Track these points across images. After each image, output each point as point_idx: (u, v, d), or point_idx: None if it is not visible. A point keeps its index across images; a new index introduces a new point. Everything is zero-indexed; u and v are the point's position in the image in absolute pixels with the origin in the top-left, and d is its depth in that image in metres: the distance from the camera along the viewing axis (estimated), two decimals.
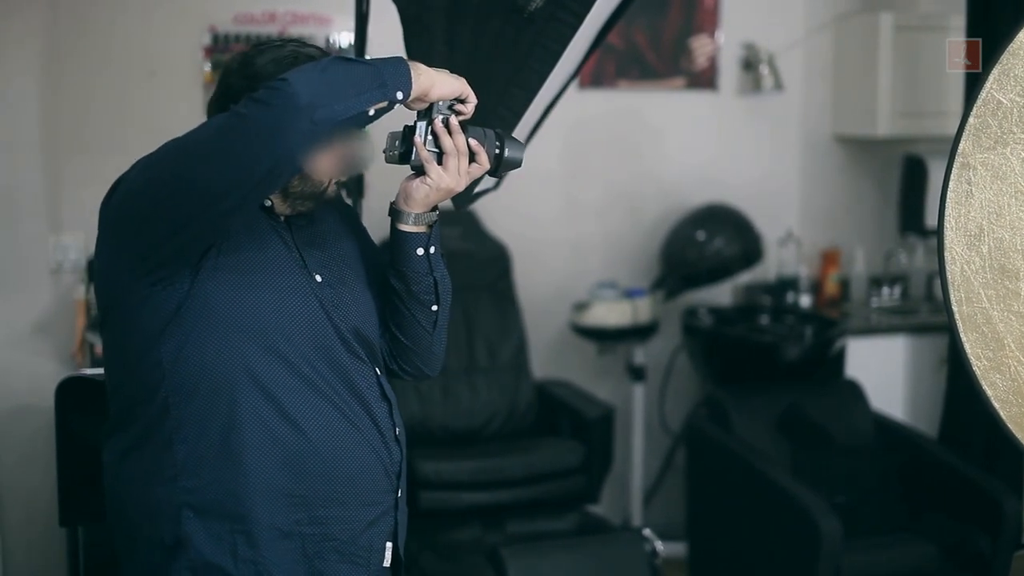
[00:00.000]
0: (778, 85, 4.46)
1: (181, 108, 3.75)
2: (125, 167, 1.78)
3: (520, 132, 2.37)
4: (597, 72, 4.37)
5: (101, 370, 3.20)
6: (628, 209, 4.49)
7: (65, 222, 3.69)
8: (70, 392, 2.26)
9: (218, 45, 3.79)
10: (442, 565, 3.56)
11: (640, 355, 4.35)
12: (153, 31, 3.76)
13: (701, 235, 4.27)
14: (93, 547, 2.34)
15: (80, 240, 3.67)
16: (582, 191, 4.42)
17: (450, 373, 3.96)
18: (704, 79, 4.52)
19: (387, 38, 2.49)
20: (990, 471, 3.44)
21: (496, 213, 4.08)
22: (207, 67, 3.78)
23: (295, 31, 3.77)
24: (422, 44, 2.34)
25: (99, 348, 3.43)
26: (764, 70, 4.44)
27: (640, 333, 4.27)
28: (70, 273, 3.68)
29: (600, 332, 4.23)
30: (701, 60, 4.50)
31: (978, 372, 1.62)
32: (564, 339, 4.41)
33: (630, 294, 4.27)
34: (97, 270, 1.82)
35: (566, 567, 3.17)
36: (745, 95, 4.55)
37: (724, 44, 4.51)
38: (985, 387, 1.62)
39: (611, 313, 4.19)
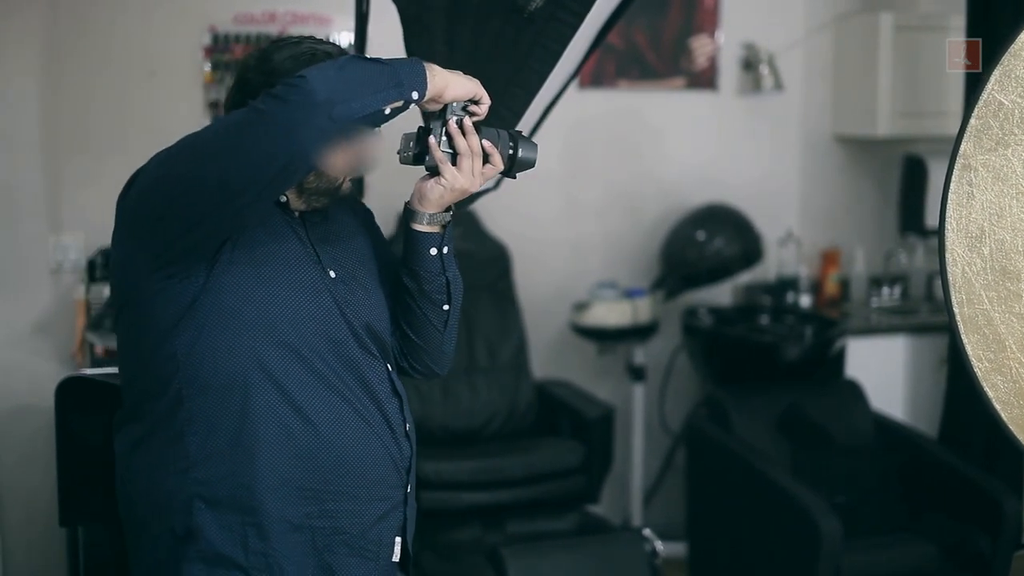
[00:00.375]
0: (778, 85, 4.46)
1: (181, 108, 3.75)
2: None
3: None
4: (597, 72, 4.37)
5: (101, 370, 3.20)
6: (628, 209, 4.49)
7: (65, 222, 3.69)
8: (70, 392, 2.25)
9: (218, 45, 3.79)
10: (442, 565, 3.56)
11: (640, 355, 4.35)
12: (153, 31, 3.76)
13: (701, 235, 4.27)
14: (93, 547, 2.33)
15: (80, 240, 3.67)
16: (582, 191, 4.42)
17: (450, 373, 3.95)
18: (704, 79, 4.52)
19: (387, 38, 2.49)
20: (990, 471, 3.44)
21: (496, 213, 4.08)
22: (207, 67, 3.79)
23: (295, 31, 3.77)
24: (422, 44, 2.34)
25: (99, 348, 3.43)
26: (764, 70, 4.44)
27: (640, 333, 4.27)
28: (70, 273, 3.69)
29: (600, 332, 4.23)
30: (701, 60, 4.50)
31: (979, 374, 1.62)
32: (564, 339, 4.41)
33: (630, 294, 4.27)
34: (113, 263, 1.83)
35: (566, 567, 3.17)
36: (745, 95, 4.55)
37: (724, 44, 4.51)
38: (986, 389, 1.62)
39: (611, 313, 4.19)
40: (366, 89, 1.60)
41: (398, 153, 1.80)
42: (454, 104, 1.76)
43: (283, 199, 1.81)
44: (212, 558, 1.75)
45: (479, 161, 1.79)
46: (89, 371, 3.16)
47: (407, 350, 1.97)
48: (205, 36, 3.79)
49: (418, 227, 1.85)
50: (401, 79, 1.64)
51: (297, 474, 1.76)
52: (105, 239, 3.64)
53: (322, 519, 1.78)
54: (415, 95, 1.66)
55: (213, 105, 3.77)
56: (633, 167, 4.49)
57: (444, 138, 1.77)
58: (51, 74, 3.65)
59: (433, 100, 1.72)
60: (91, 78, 3.68)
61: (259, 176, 1.61)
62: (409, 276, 1.89)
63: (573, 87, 3.09)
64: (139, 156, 1.77)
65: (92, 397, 2.22)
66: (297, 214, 1.84)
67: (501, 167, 1.82)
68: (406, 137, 1.80)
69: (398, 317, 1.94)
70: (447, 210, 1.85)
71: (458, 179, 1.79)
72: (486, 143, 1.79)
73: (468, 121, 1.77)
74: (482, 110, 1.78)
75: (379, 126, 1.69)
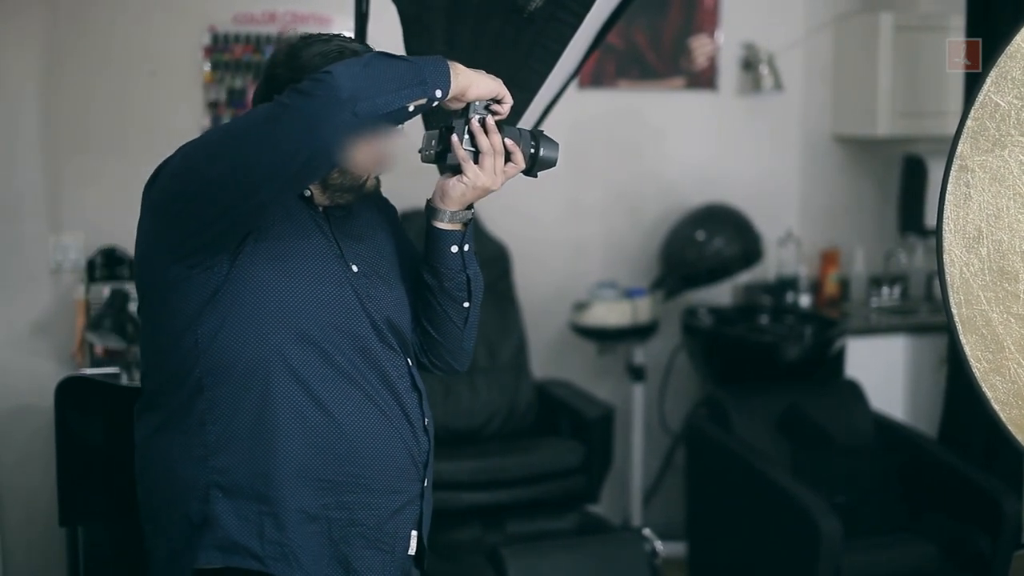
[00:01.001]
0: (778, 85, 4.46)
1: (181, 108, 3.75)
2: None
3: None
4: (597, 72, 4.37)
5: (101, 370, 3.20)
6: (628, 209, 4.49)
7: (65, 222, 3.69)
8: (70, 392, 2.26)
9: (218, 45, 3.79)
10: (442, 565, 3.56)
11: (640, 355, 4.35)
12: (153, 31, 3.76)
13: (701, 235, 4.27)
14: (93, 547, 2.33)
15: (80, 240, 3.68)
16: (582, 191, 4.42)
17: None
18: (704, 79, 4.52)
19: (387, 38, 2.48)
20: (990, 471, 3.44)
21: (496, 213, 4.08)
22: (207, 67, 3.79)
23: (294, 32, 3.76)
24: (422, 44, 2.35)
25: (99, 348, 3.44)
26: (764, 70, 4.44)
27: (640, 333, 4.27)
28: (70, 273, 3.69)
29: (600, 332, 4.23)
30: (701, 60, 4.50)
31: (978, 374, 1.62)
32: (564, 339, 4.41)
33: (630, 294, 4.27)
34: (137, 253, 1.85)
35: (566, 567, 3.17)
36: (745, 95, 4.55)
37: (724, 44, 4.51)
38: (985, 389, 1.62)
39: (611, 313, 4.19)
40: (390, 86, 1.62)
41: (420, 152, 1.83)
42: (477, 103, 1.77)
43: (307, 193, 1.83)
44: (228, 546, 1.76)
45: (501, 159, 1.81)
46: (89, 371, 3.17)
47: (427, 346, 2.00)
48: (205, 36, 3.79)
49: (439, 225, 1.88)
50: (425, 77, 1.66)
51: (315, 465, 1.77)
52: (105, 239, 3.67)
53: (339, 510, 1.80)
54: (439, 93, 1.68)
55: (213, 105, 3.77)
56: (633, 167, 4.49)
57: (467, 136, 1.79)
58: (51, 74, 3.65)
59: (456, 98, 1.74)
60: (91, 78, 3.68)
61: (282, 169, 1.63)
62: (430, 273, 1.91)
63: (573, 87, 3.10)
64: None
65: (92, 397, 2.23)
66: (321, 209, 1.86)
67: (523, 165, 1.84)
68: (428, 135, 1.82)
69: (419, 314, 1.96)
70: (468, 208, 1.87)
71: (480, 177, 1.81)
72: (508, 141, 1.81)
73: (491, 119, 1.79)
74: (504, 109, 1.80)
75: (402, 123, 1.71)
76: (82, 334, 3.51)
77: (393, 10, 2.43)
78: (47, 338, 3.68)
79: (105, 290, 3.48)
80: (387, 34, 2.51)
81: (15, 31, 3.60)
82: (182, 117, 3.71)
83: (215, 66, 3.78)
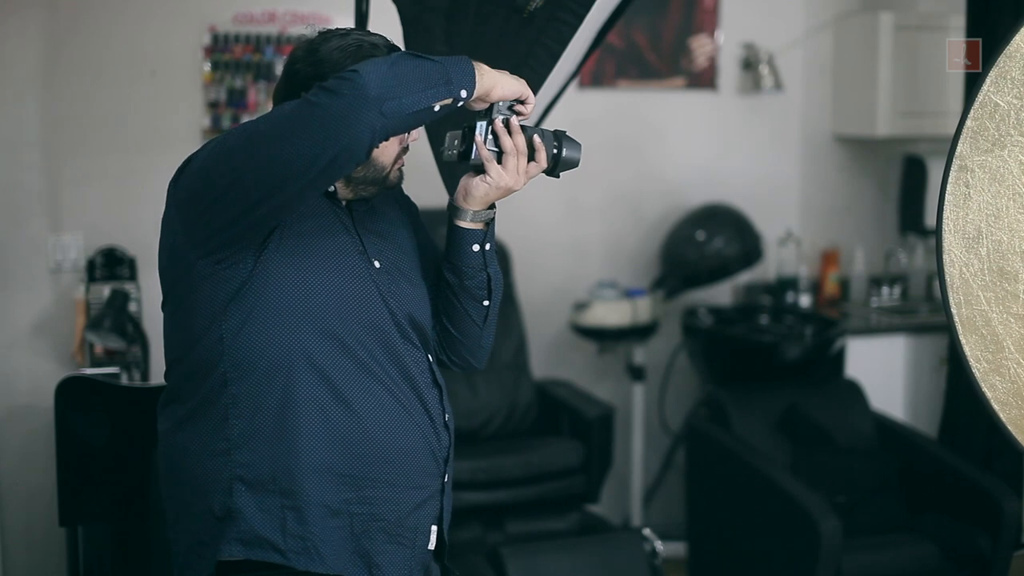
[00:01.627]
0: (778, 85, 4.46)
1: (181, 108, 3.75)
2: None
3: None
4: (597, 72, 4.37)
5: (101, 370, 3.20)
6: (628, 209, 4.49)
7: (65, 222, 3.69)
8: (70, 392, 2.26)
9: (218, 45, 3.79)
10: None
11: (640, 355, 4.35)
12: (153, 31, 3.76)
13: (701, 235, 4.27)
14: (93, 547, 2.34)
15: (80, 240, 3.68)
16: (582, 191, 4.42)
17: (450, 372, 3.95)
18: (704, 79, 4.52)
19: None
20: (990, 471, 3.44)
21: (496, 213, 4.08)
22: (207, 67, 3.78)
23: (294, 31, 3.77)
24: (422, 44, 2.35)
25: (99, 348, 3.44)
26: (764, 70, 4.44)
27: (640, 333, 4.27)
28: (70, 273, 3.69)
29: (600, 332, 4.23)
30: (701, 60, 4.50)
31: (978, 374, 1.62)
32: (564, 339, 4.41)
33: (630, 294, 4.27)
34: (162, 247, 1.85)
35: (566, 567, 3.17)
36: (745, 95, 4.55)
37: (724, 44, 4.51)
38: (985, 389, 1.62)
39: (611, 313, 4.19)
40: (417, 86, 1.63)
41: (443, 150, 1.84)
42: (500, 103, 1.78)
43: (331, 189, 1.84)
44: (250, 540, 1.77)
45: (524, 159, 1.83)
46: (89, 371, 3.17)
47: (446, 343, 2.01)
48: (205, 36, 3.79)
49: (462, 224, 1.89)
50: (451, 77, 1.67)
51: (336, 460, 1.78)
52: (105, 239, 3.67)
53: (360, 505, 1.80)
54: (464, 93, 1.69)
55: (213, 105, 3.77)
56: (633, 167, 4.49)
57: (490, 136, 1.80)
58: (51, 74, 3.65)
59: (480, 99, 1.75)
60: (91, 78, 3.68)
61: (309, 167, 1.64)
62: (451, 271, 1.92)
63: (573, 87, 3.10)
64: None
65: (92, 397, 2.23)
66: (344, 204, 1.86)
67: (545, 165, 1.85)
68: (452, 135, 1.83)
69: (439, 311, 1.97)
70: (491, 207, 1.89)
71: (503, 177, 1.82)
72: (536, 140, 1.82)
73: (514, 120, 1.80)
74: (527, 110, 1.81)
75: (427, 123, 1.72)
76: (82, 334, 3.51)
77: (393, 10, 2.43)
78: (47, 338, 3.68)
79: (105, 290, 3.48)
80: (387, 34, 2.50)
81: (15, 31, 3.60)
82: (182, 117, 3.71)
83: (215, 66, 3.78)
